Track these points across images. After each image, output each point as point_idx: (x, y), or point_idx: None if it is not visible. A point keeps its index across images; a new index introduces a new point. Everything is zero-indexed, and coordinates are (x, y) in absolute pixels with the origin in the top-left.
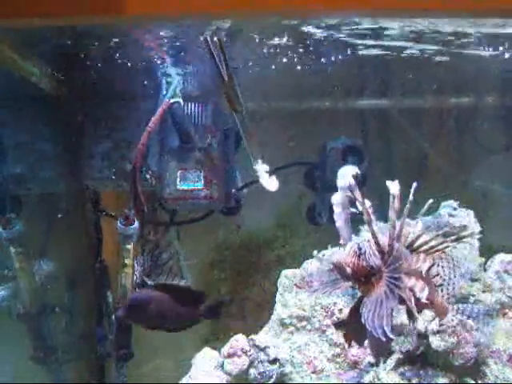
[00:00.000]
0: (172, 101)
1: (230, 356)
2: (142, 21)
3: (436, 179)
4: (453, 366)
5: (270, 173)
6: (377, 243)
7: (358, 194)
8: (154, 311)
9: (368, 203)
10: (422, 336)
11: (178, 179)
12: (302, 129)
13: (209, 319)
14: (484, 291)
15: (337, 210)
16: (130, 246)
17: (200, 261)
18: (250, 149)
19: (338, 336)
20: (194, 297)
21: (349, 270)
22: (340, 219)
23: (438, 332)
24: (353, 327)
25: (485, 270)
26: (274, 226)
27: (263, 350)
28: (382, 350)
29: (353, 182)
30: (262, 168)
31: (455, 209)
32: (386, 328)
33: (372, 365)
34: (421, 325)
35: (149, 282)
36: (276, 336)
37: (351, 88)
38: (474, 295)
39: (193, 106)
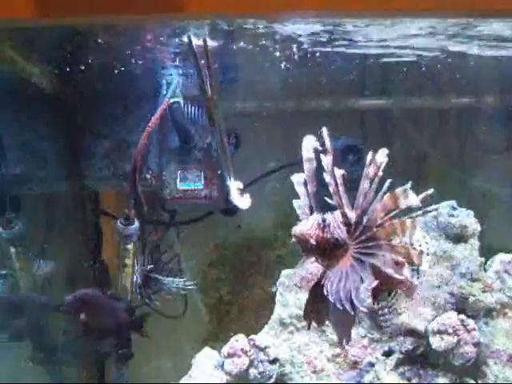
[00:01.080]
0: (172, 101)
1: (230, 356)
2: (143, 20)
3: (436, 179)
4: (453, 366)
5: (277, 169)
6: (343, 215)
7: (328, 161)
8: (96, 310)
9: (339, 172)
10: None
11: (178, 179)
12: (302, 129)
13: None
14: (484, 291)
15: (299, 189)
16: (130, 246)
17: (200, 261)
18: (223, 164)
19: None
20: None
21: (312, 242)
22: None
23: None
24: (313, 306)
25: (485, 270)
26: (273, 226)
27: (263, 350)
28: (347, 327)
29: (328, 144)
30: (233, 185)
31: (455, 208)
32: (355, 301)
33: (372, 365)
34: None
35: (162, 279)
36: (276, 336)
37: (350, 89)
38: (474, 295)
39: (193, 106)
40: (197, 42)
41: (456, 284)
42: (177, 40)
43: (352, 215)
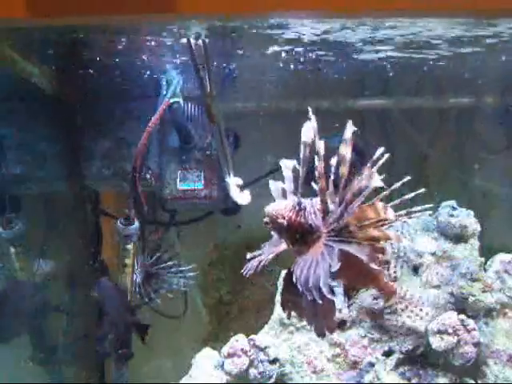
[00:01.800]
0: (172, 101)
1: (230, 356)
2: (138, 20)
3: (436, 179)
4: (453, 366)
5: (275, 170)
6: (323, 202)
7: (320, 145)
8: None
9: (333, 161)
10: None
11: (178, 179)
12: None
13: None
14: (484, 291)
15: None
16: (130, 246)
17: (200, 261)
18: (222, 161)
19: (338, 336)
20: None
21: (283, 223)
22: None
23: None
24: (289, 296)
25: (485, 270)
26: None
27: (263, 350)
28: (325, 317)
29: (314, 126)
30: (233, 182)
31: (455, 208)
32: (324, 289)
33: (372, 365)
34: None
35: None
36: (276, 336)
37: (349, 88)
38: (474, 295)
39: (193, 106)
40: (194, 40)
41: (456, 284)
42: (175, 39)
43: (331, 204)
